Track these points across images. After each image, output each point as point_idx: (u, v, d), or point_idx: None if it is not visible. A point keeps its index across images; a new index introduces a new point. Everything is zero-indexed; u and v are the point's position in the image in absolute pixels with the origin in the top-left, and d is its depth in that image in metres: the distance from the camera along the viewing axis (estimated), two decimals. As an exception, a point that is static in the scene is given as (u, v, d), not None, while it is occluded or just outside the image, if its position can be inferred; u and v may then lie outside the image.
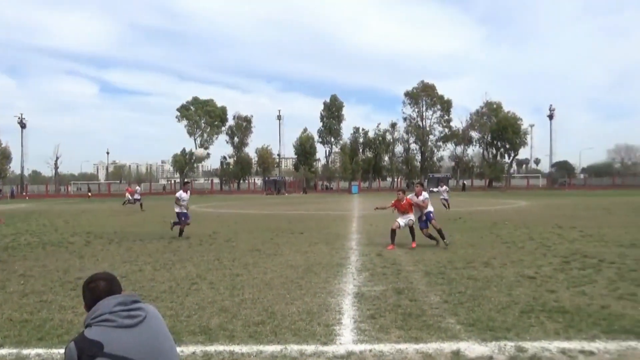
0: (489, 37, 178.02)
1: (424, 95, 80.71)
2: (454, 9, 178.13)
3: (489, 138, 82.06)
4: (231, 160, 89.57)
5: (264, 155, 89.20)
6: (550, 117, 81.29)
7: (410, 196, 11.72)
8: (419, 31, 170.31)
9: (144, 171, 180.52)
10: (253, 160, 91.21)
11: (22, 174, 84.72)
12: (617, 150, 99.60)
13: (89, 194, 67.50)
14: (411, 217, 11.56)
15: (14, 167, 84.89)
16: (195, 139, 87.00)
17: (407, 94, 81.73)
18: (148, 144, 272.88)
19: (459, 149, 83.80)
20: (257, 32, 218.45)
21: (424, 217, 11.47)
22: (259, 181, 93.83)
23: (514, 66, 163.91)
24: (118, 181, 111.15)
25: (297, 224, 17.55)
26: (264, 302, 6.25)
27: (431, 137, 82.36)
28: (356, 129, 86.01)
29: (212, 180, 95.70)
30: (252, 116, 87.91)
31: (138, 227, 17.67)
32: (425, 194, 11.61)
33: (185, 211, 14.15)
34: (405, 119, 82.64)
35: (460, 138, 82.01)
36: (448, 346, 4.58)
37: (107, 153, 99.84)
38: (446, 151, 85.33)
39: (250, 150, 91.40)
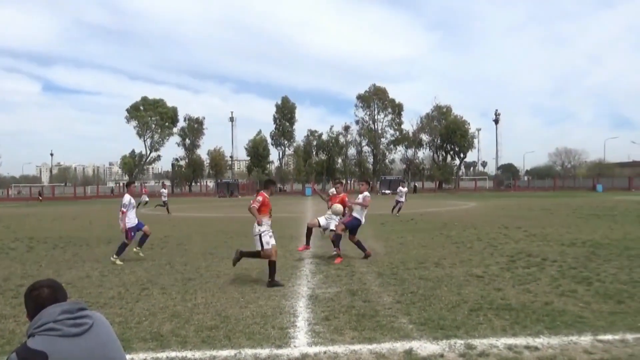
0: (439, 42, 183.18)
1: (375, 98, 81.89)
2: (406, 14, 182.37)
3: (438, 141, 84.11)
4: (183, 163, 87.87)
5: (216, 157, 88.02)
6: (496, 121, 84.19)
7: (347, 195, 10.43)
8: (372, 35, 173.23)
9: (90, 173, 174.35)
10: (205, 163, 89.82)
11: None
12: (558, 153, 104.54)
13: (40, 197, 64.41)
14: (335, 221, 10.28)
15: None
16: (145, 140, 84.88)
17: (359, 97, 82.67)
18: (95, 145, 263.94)
19: (410, 152, 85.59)
20: (209, 33, 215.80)
21: (349, 220, 10.04)
22: (211, 184, 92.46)
23: (463, 71, 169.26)
24: (63, 184, 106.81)
25: (250, 227, 17.35)
26: (217, 306, 6.16)
27: (383, 140, 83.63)
28: (310, 132, 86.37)
29: (163, 183, 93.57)
30: (204, 118, 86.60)
31: (85, 231, 17.03)
32: (366, 193, 10.21)
33: (136, 223, 10.28)
34: (358, 122, 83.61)
35: (411, 141, 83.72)
36: (401, 345, 4.65)
37: (51, 154, 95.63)
38: (397, 154, 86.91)
39: (202, 152, 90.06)
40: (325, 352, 4.53)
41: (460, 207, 30.23)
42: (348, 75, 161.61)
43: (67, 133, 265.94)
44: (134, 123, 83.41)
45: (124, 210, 10.04)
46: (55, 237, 15.07)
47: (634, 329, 5.02)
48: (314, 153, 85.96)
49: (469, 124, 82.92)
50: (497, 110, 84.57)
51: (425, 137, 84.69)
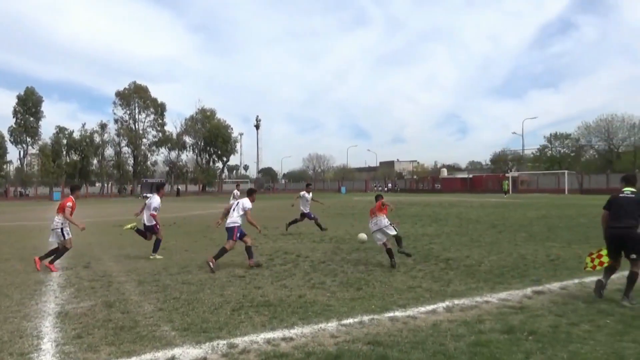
0: (202, 45, 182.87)
1: (136, 97, 77.54)
2: (168, 12, 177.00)
3: (202, 144, 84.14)
4: None
5: None
6: (257, 127, 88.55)
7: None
8: (131, 30, 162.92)
9: None
10: None
11: None
12: (310, 159, 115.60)
13: None
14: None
15: None
16: None
17: (118, 95, 77.17)
18: None
19: (173, 154, 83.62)
20: None
21: None
22: None
23: (226, 76, 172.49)
24: None
25: None
26: None
27: (145, 140, 79.70)
28: (60, 129, 76.88)
29: None
30: None
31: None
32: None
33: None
34: (116, 121, 77.82)
35: (175, 143, 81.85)
36: (163, 354, 4.50)
37: None
38: (160, 156, 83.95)
39: None
40: (76, 374, 4.09)
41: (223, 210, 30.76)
42: (105, 71, 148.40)
43: None
44: None
45: (155, 213, 10.54)
46: None
47: (369, 311, 5.84)
48: (65, 153, 76.85)
49: (231, 128, 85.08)
50: (257, 116, 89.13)
51: (188, 140, 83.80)
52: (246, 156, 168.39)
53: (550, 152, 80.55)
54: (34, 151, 77.04)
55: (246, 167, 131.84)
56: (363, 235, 10.21)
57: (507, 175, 64.02)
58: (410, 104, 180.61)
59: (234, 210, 9.64)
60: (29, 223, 21.15)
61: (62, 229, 9.09)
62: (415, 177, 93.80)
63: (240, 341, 4.84)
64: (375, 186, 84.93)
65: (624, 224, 6.19)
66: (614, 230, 6.32)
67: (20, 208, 36.66)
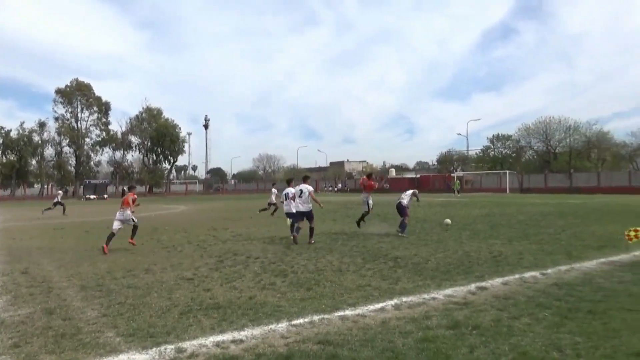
0: (149, 43, 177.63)
1: (79, 94, 74.48)
2: (112, 8, 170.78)
3: (149, 144, 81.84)
4: None
5: None
6: (206, 126, 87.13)
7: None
8: (75, 25, 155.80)
9: None
10: None
11: None
12: (261, 159, 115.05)
13: None
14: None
15: None
16: None
17: (59, 92, 73.87)
18: None
19: (118, 154, 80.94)
20: None
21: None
22: None
23: (174, 75, 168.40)
24: None
25: None
26: None
27: (87, 140, 76.67)
28: (-6, 127, 72.66)
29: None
30: None
31: None
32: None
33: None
34: (57, 119, 74.47)
35: (120, 143, 79.24)
36: (107, 362, 4.35)
37: None
38: (104, 156, 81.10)
39: None
40: (13, 385, 3.89)
41: (171, 210, 30.12)
42: (45, 67, 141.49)
43: None
44: None
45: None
46: None
47: (319, 311, 5.87)
48: (0, 153, 72.80)
49: (179, 127, 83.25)
50: (206, 115, 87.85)
51: (134, 139, 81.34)
52: (195, 156, 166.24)
53: (492, 152, 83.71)
54: (-35, 151, 72.57)
55: (195, 168, 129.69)
56: (447, 220, 15.09)
57: (452, 175, 66.04)
58: (360, 104, 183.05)
59: (299, 197, 12.57)
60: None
61: (132, 218, 11.96)
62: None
63: (189, 345, 4.75)
64: (326, 186, 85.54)
65: None
66: None
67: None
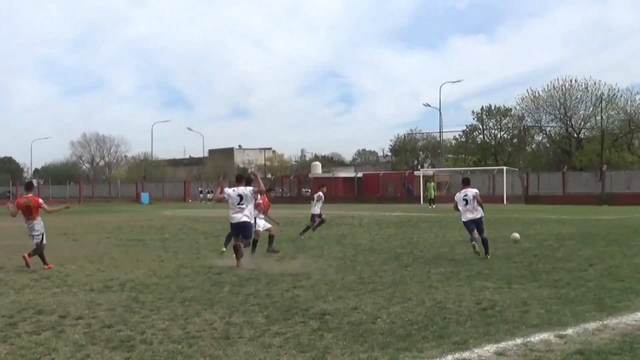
0: None
1: None
2: None
3: None
4: None
5: None
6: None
7: None
8: None
9: None
10: None
11: None
12: (86, 142, 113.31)
13: None
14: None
15: None
16: None
17: None
18: None
19: None
20: None
21: None
22: None
23: None
24: None
25: None
26: None
27: None
28: None
29: None
30: None
31: None
32: None
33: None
34: None
35: None
36: None
37: None
38: None
39: None
40: None
41: None
42: None
43: None
44: None
45: None
46: None
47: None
48: None
49: None
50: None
51: None
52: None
53: (481, 136, 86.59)
54: None
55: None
56: (516, 235, 18.13)
57: (416, 173, 67.78)
58: (260, 52, 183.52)
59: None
60: None
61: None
62: (270, 175, 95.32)
63: None
64: (202, 191, 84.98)
65: None
66: None
67: None
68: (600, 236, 22.18)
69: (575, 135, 76.21)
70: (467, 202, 16.97)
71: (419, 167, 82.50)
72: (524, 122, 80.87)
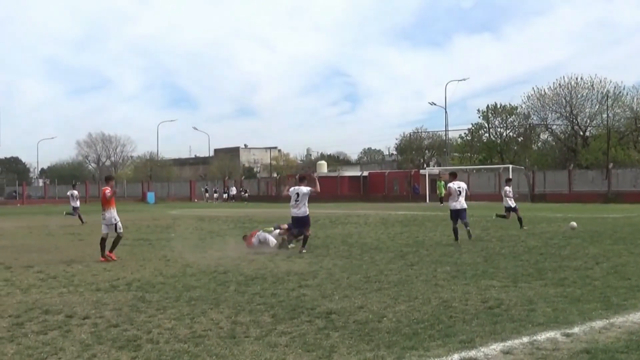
0: None
1: None
2: None
3: None
4: None
5: None
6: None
7: None
8: None
9: None
10: None
11: None
12: (92, 142, 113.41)
13: None
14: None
15: None
16: None
17: None
18: None
19: None
20: None
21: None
22: None
23: None
24: None
25: None
26: None
27: None
28: None
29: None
30: None
31: None
32: None
33: None
34: None
35: None
36: None
37: None
38: None
39: None
40: None
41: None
42: None
43: None
44: None
45: None
46: None
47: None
48: None
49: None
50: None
51: None
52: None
53: (486, 135, 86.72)
54: None
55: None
56: (573, 224, 20.35)
57: (422, 172, 67.80)
58: (265, 51, 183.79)
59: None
60: None
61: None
62: (276, 174, 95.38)
63: None
64: (207, 190, 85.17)
65: None
66: None
67: None
68: (607, 234, 22.20)
69: (581, 133, 76.39)
70: (460, 193, 20.51)
71: (425, 165, 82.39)
72: (529, 120, 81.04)
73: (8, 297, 11.74)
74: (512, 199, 27.89)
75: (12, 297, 11.75)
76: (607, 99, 71.89)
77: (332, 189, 70.99)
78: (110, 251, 16.85)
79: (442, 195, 53.21)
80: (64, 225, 33.44)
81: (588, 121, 75.91)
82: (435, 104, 79.45)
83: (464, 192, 20.76)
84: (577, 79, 74.55)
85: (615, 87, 72.87)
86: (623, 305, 10.04)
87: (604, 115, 72.97)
